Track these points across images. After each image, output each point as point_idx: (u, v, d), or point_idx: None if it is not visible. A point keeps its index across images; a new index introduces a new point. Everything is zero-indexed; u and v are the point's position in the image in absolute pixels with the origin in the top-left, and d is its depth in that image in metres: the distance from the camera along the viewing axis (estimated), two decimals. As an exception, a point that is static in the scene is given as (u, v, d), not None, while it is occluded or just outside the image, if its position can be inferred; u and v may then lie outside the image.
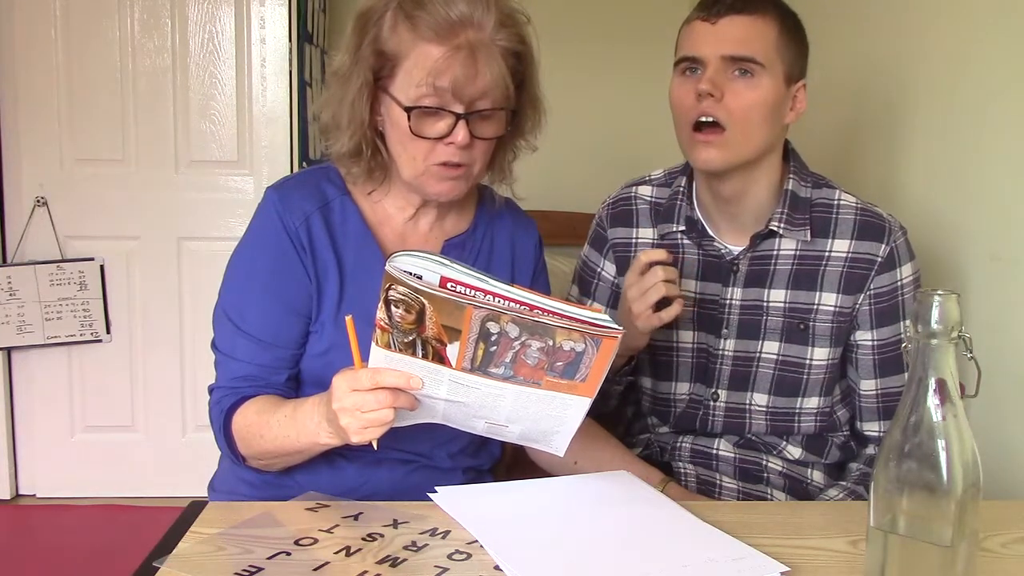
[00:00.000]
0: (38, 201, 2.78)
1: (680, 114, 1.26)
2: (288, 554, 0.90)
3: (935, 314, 0.78)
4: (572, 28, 3.29)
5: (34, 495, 2.90)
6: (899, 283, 1.28)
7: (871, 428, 1.34)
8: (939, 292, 0.79)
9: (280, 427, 1.07)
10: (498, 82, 1.10)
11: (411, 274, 0.91)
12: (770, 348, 1.31)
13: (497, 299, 0.93)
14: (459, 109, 1.10)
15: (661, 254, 1.23)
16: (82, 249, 2.83)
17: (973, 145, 1.55)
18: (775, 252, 1.30)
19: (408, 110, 1.11)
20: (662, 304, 1.22)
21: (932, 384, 0.79)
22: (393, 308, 0.90)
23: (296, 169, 2.85)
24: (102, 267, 2.84)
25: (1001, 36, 1.47)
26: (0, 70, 2.75)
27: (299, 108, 2.84)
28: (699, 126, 1.23)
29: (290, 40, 2.81)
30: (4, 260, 2.78)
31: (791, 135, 1.34)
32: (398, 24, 1.10)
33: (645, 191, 1.41)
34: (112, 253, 2.84)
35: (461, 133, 1.10)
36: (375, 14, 1.12)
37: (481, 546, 0.93)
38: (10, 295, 2.76)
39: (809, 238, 1.29)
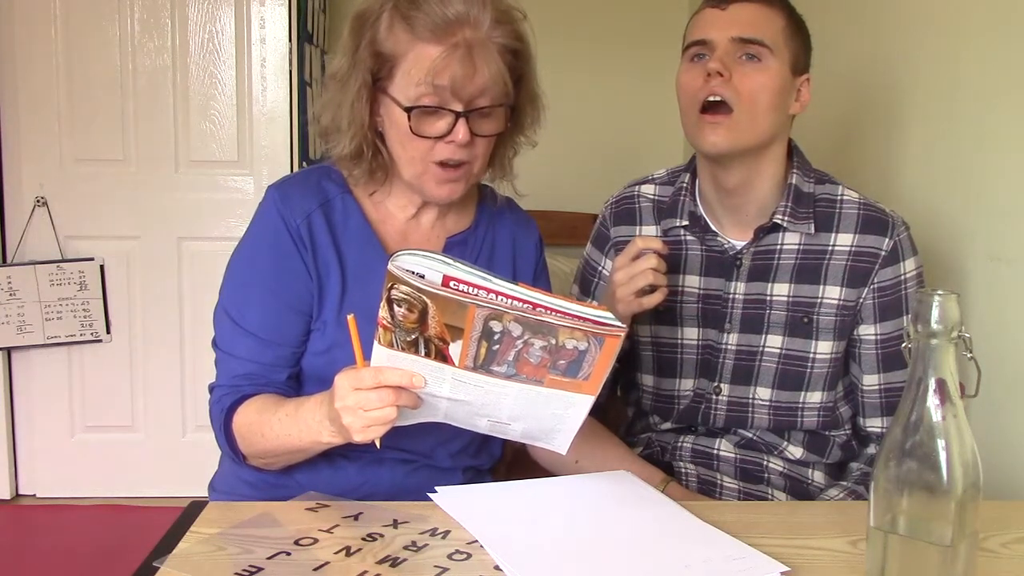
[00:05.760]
0: (38, 201, 2.79)
1: (687, 97, 1.27)
2: (288, 554, 0.90)
3: (935, 314, 0.78)
4: (573, 29, 3.30)
5: (34, 495, 2.90)
6: (903, 277, 1.29)
7: (873, 424, 1.34)
8: (939, 292, 0.79)
9: (281, 426, 1.07)
10: (496, 79, 1.10)
11: (414, 273, 0.91)
12: (773, 342, 1.32)
13: (500, 297, 0.93)
14: (458, 107, 1.10)
15: (656, 242, 1.24)
16: (82, 249, 2.83)
17: (972, 145, 1.55)
18: (779, 246, 1.31)
19: (408, 110, 1.11)
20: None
21: (932, 384, 0.79)
22: (396, 307, 0.90)
23: (296, 169, 2.85)
24: (102, 267, 2.84)
25: (1001, 35, 1.47)
26: (0, 70, 2.75)
27: (299, 108, 2.84)
28: (706, 108, 1.24)
29: (290, 40, 2.81)
30: (4, 260, 2.79)
31: (791, 134, 1.34)
32: (395, 25, 1.11)
33: (648, 189, 1.41)
34: (112, 253, 2.84)
35: (461, 131, 1.11)
36: (371, 15, 1.13)
37: (481, 546, 0.93)
38: (10, 295, 2.76)
39: (813, 232, 1.29)
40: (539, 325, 0.91)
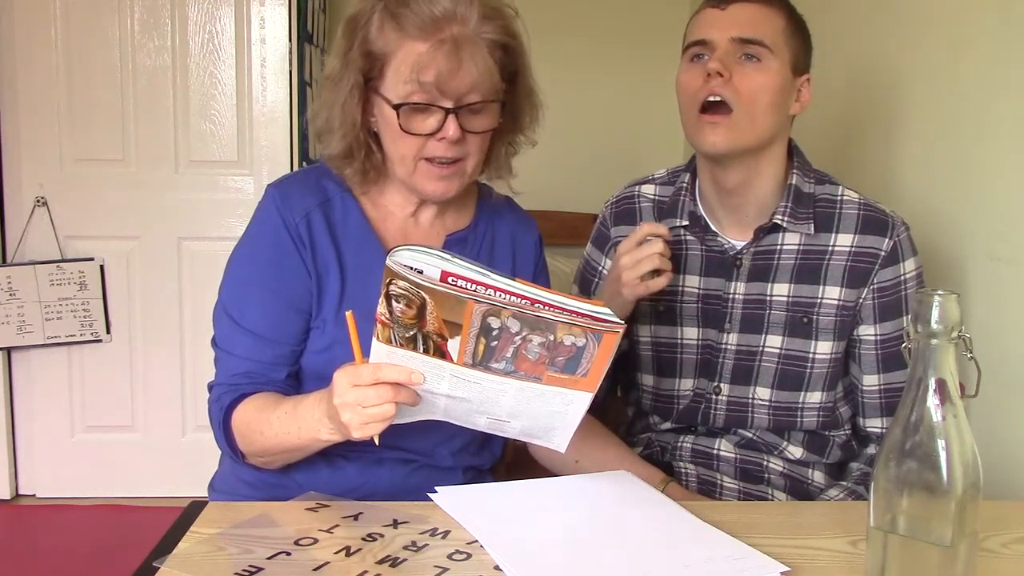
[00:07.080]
0: (38, 201, 2.78)
1: (687, 97, 1.27)
2: (288, 554, 0.90)
3: (935, 314, 0.78)
4: (573, 29, 3.30)
5: (34, 495, 2.90)
6: (902, 277, 1.29)
7: (873, 425, 1.34)
8: (939, 292, 0.79)
9: (281, 424, 1.07)
10: (484, 75, 1.10)
11: (412, 268, 0.90)
12: (773, 342, 1.32)
13: (498, 293, 0.93)
14: (448, 104, 1.11)
15: (662, 228, 1.25)
16: (82, 249, 2.83)
17: (972, 144, 1.55)
18: (778, 246, 1.31)
19: (397, 107, 1.11)
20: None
21: (932, 384, 0.79)
22: (394, 303, 0.90)
23: (296, 169, 2.85)
24: (102, 267, 2.84)
25: (1001, 35, 1.47)
26: (0, 70, 2.75)
27: (299, 108, 2.84)
28: (706, 108, 1.24)
29: (290, 40, 2.81)
30: (4, 260, 2.78)
31: (791, 134, 1.34)
32: (384, 24, 1.12)
33: (648, 189, 1.42)
34: (112, 253, 2.84)
35: (452, 128, 1.11)
36: (363, 17, 1.14)
37: (481, 546, 0.93)
38: (10, 295, 2.76)
39: (813, 232, 1.29)
40: (537, 321, 0.91)
